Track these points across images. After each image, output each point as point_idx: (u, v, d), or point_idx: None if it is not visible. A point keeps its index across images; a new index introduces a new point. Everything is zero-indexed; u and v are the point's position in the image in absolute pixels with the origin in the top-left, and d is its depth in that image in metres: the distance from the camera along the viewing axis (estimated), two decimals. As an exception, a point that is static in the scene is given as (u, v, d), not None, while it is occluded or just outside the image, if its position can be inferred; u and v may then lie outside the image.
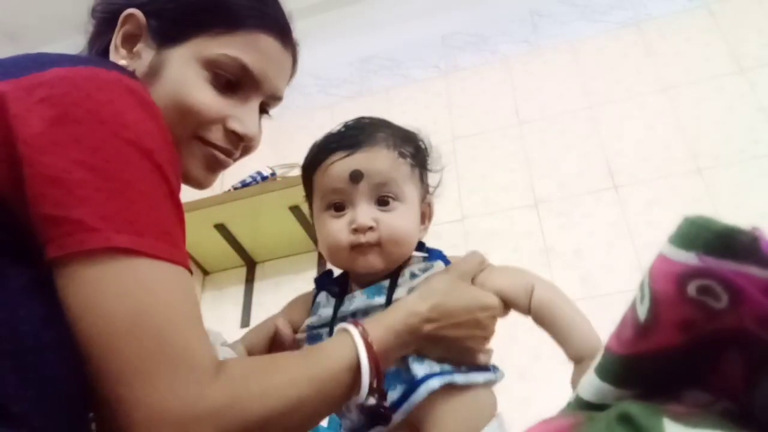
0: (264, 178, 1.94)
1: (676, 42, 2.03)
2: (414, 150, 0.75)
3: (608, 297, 1.58)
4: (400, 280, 0.71)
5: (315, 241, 1.98)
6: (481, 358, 0.70)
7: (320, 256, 2.00)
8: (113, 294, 0.48)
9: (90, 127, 0.50)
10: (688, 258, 0.27)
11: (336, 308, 0.72)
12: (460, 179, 1.96)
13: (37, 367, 0.47)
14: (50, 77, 0.52)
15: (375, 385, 0.60)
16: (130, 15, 0.67)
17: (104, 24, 0.70)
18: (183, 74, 0.65)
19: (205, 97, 0.65)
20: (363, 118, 0.78)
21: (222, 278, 2.08)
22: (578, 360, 0.65)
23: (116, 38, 0.68)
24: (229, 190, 1.96)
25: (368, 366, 0.59)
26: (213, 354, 0.52)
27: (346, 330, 0.61)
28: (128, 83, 0.56)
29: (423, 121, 2.40)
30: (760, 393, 0.28)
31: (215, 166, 0.70)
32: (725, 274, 0.26)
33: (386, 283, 0.71)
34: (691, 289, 0.27)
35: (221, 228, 1.93)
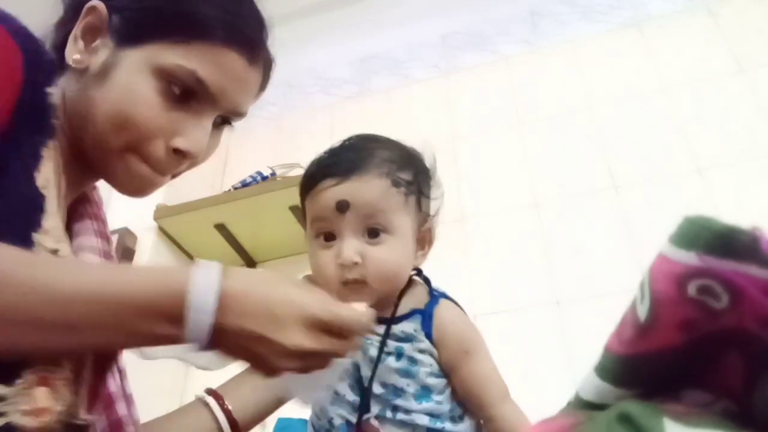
0: (264, 178, 1.94)
1: (676, 42, 2.03)
2: (412, 176, 0.71)
3: (608, 297, 1.58)
4: (394, 328, 0.69)
5: (315, 241, 1.98)
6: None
7: (320, 256, 2.00)
8: None
9: None
10: (689, 258, 0.27)
11: None
12: (460, 179, 1.96)
13: None
14: None
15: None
16: (93, 7, 0.65)
17: (71, 11, 0.67)
18: (132, 81, 0.62)
19: (148, 110, 0.62)
20: (364, 136, 0.74)
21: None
22: None
23: (77, 28, 0.65)
24: (229, 190, 1.96)
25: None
26: None
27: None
28: None
29: (423, 121, 2.40)
30: (760, 393, 0.28)
31: (146, 186, 0.67)
32: (725, 274, 0.26)
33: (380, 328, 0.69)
34: (692, 288, 0.27)
35: (221, 228, 1.93)
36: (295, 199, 2.09)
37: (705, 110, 1.86)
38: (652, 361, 0.30)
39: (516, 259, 1.76)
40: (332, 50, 2.37)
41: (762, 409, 0.28)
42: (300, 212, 2.02)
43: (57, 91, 0.60)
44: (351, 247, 0.67)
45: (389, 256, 0.68)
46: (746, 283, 0.26)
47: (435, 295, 0.72)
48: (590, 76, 2.06)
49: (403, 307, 0.71)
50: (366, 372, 0.69)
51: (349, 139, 0.74)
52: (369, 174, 0.69)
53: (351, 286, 0.67)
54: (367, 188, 0.68)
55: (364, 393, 0.68)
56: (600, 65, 2.07)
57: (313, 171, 0.73)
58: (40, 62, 0.57)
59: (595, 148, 1.91)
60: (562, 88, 2.06)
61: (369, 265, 0.67)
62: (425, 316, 0.70)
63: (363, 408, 0.67)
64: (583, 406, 0.33)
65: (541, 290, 1.69)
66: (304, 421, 1.27)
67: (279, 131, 2.27)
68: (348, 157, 0.71)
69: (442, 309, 0.71)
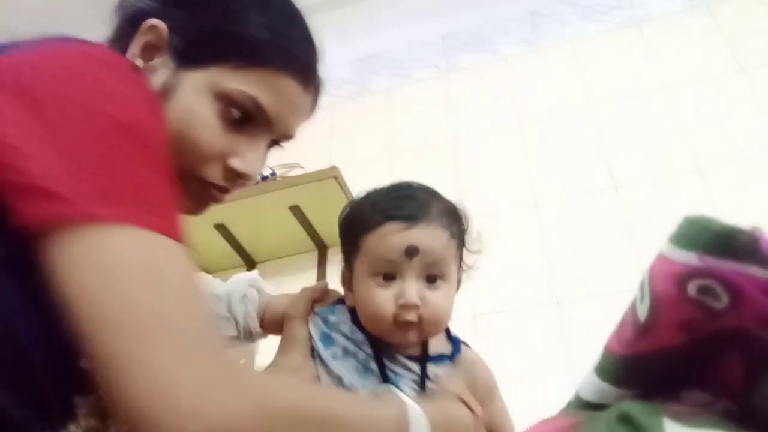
0: (264, 178, 1.94)
1: (676, 42, 2.03)
2: (459, 229, 0.77)
3: (608, 297, 1.58)
4: (428, 370, 0.73)
5: (315, 241, 1.98)
6: None
7: (320, 256, 2.00)
8: (94, 264, 0.45)
9: (58, 107, 0.48)
10: (689, 258, 0.27)
11: (376, 352, 0.73)
12: (460, 179, 1.96)
13: (11, 354, 0.46)
14: (12, 63, 0.50)
15: None
16: (154, 26, 0.64)
17: (127, 27, 0.67)
18: (193, 103, 0.62)
19: (209, 134, 0.63)
20: (412, 185, 0.78)
21: (222, 278, 2.08)
22: None
23: (135, 46, 0.65)
24: (229, 190, 1.96)
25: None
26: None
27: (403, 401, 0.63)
28: (98, 56, 0.54)
29: (423, 121, 2.40)
30: (760, 393, 0.28)
31: (208, 202, 0.68)
32: (725, 274, 0.26)
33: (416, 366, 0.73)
34: (692, 289, 0.27)
35: (221, 228, 1.93)
36: (295, 199, 2.08)
37: (705, 110, 1.86)
38: (652, 361, 0.30)
39: (516, 259, 1.76)
40: (332, 50, 2.36)
41: (762, 409, 0.28)
42: (299, 212, 2.01)
43: None
44: (415, 290, 0.70)
45: (444, 301, 0.72)
46: (746, 283, 0.26)
47: (455, 341, 0.77)
48: (590, 76, 2.06)
49: (431, 350, 0.75)
50: None
51: (399, 186, 0.78)
52: (433, 224, 0.73)
53: (403, 325, 0.71)
54: (434, 237, 0.72)
55: None
56: (600, 65, 2.07)
57: (374, 210, 0.75)
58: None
59: (595, 148, 1.91)
60: (562, 88, 2.07)
61: (427, 308, 0.70)
62: (454, 362, 0.75)
63: None
64: (583, 406, 0.33)
65: (541, 290, 1.69)
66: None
67: (279, 131, 2.27)
68: (409, 203, 0.74)
69: (468, 355, 0.76)
